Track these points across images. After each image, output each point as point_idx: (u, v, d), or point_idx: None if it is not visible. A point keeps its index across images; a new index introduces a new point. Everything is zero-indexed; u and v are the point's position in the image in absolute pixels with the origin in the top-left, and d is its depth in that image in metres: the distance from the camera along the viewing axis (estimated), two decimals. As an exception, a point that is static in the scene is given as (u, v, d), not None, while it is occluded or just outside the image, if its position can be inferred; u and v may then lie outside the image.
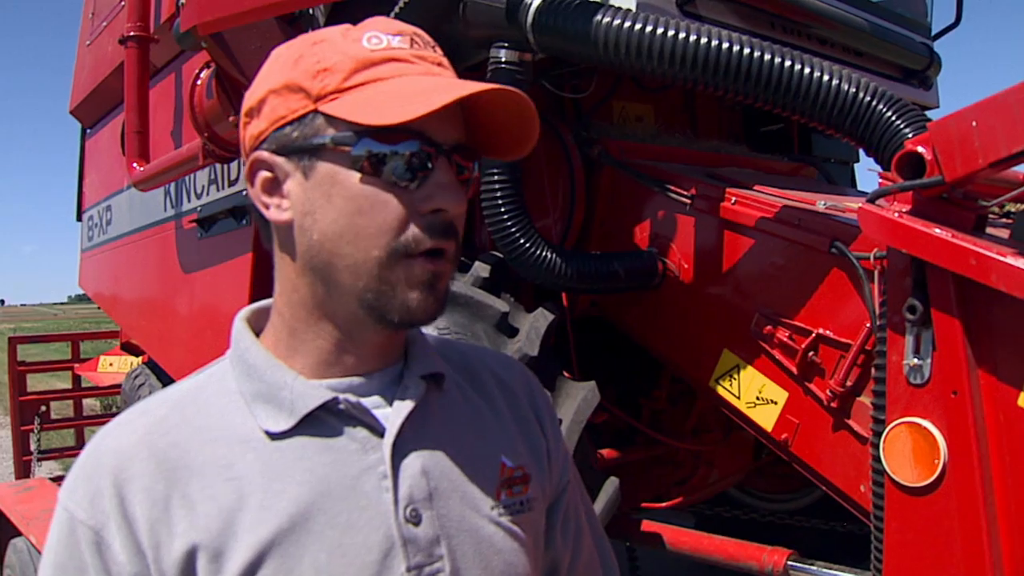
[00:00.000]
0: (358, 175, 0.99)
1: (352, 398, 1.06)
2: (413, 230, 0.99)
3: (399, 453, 1.05)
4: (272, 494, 0.99)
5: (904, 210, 1.88)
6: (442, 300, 1.05)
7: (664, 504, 3.60)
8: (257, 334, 1.12)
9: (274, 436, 1.03)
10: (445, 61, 1.06)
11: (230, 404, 1.06)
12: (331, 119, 0.99)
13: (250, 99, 1.07)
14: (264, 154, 1.04)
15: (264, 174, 1.05)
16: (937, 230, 1.78)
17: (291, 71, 1.02)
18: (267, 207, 1.06)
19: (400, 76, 1.00)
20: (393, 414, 1.07)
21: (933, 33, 4.10)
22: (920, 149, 1.82)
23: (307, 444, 1.03)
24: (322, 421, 1.04)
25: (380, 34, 1.02)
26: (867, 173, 4.55)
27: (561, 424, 2.54)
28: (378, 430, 1.06)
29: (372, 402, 1.08)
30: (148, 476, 0.99)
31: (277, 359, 1.07)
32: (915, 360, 1.86)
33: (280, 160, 1.03)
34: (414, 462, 1.06)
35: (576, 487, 1.32)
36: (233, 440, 1.02)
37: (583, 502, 1.34)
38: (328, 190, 1.00)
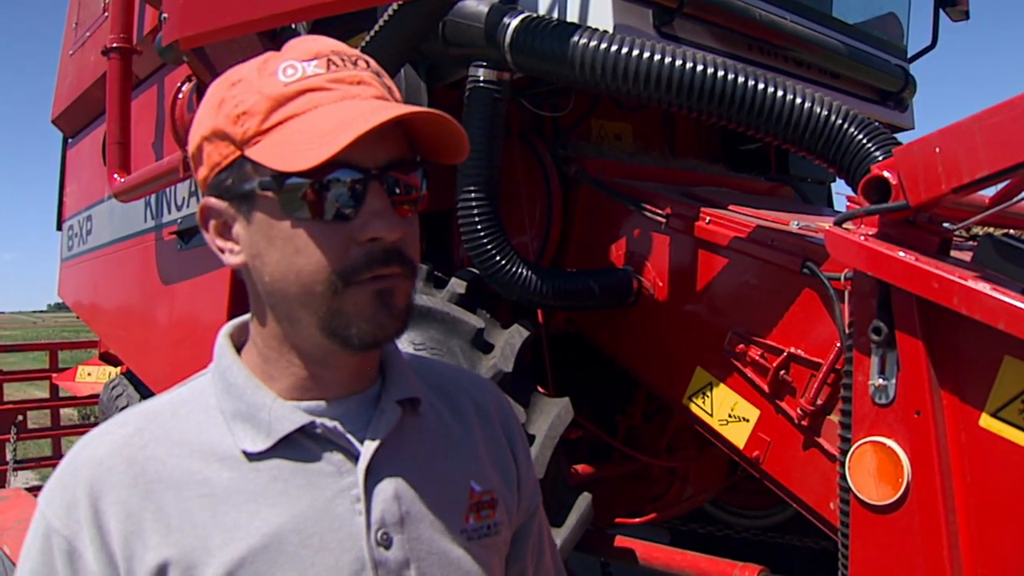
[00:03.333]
0: (291, 217, 0.99)
1: (328, 423, 1.06)
2: (352, 261, 0.99)
3: (373, 477, 1.07)
4: (247, 513, 1.01)
5: (870, 233, 1.91)
6: (401, 316, 1.04)
7: (638, 520, 3.62)
8: (240, 348, 1.14)
9: (251, 456, 1.04)
10: (366, 75, 1.03)
11: (209, 420, 1.06)
12: (256, 164, 0.99)
13: (191, 145, 1.07)
14: (212, 200, 1.05)
15: (214, 220, 1.07)
16: (901, 253, 1.81)
17: (216, 116, 1.02)
18: (222, 251, 1.08)
19: (315, 108, 0.98)
20: (368, 438, 1.08)
21: (909, 55, 4.15)
22: (886, 174, 1.85)
23: (283, 465, 1.04)
24: (299, 443, 1.05)
25: (296, 62, 1.00)
26: (837, 195, 4.61)
27: (535, 440, 2.56)
28: (353, 454, 1.07)
29: (348, 425, 1.08)
30: (124, 488, 1.00)
31: (257, 379, 1.08)
32: (880, 380, 1.89)
33: (224, 205, 1.04)
34: (387, 486, 1.07)
35: (541, 509, 1.34)
36: (211, 457, 1.03)
37: (544, 522, 1.36)
38: (267, 233, 1.00)
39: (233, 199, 1.03)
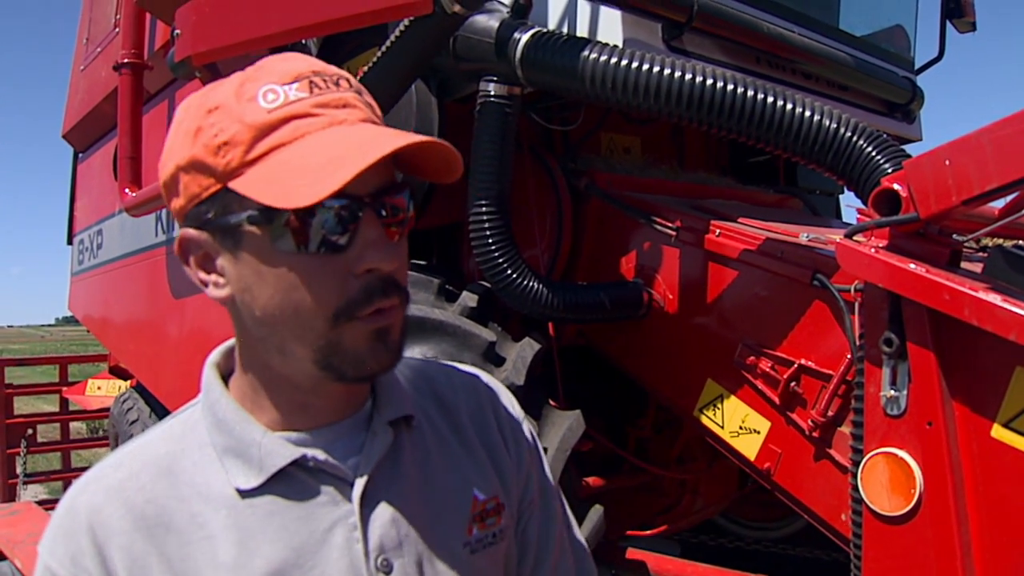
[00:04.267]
0: (282, 251, 0.96)
1: (320, 455, 1.06)
2: (351, 294, 0.97)
3: (368, 504, 1.07)
4: (246, 552, 1.01)
5: (881, 245, 1.92)
6: (396, 349, 1.03)
7: (649, 532, 3.62)
8: (228, 375, 1.13)
9: (244, 493, 1.03)
10: (349, 96, 0.99)
11: (204, 457, 1.06)
12: (242, 197, 0.95)
13: (163, 172, 1.02)
14: (191, 232, 1.01)
15: (195, 254, 1.03)
16: (912, 265, 1.82)
17: (192, 145, 0.97)
18: (205, 284, 1.04)
19: (302, 136, 0.94)
20: (362, 464, 1.08)
21: (916, 67, 4.16)
22: (896, 186, 1.86)
23: (278, 500, 1.04)
24: (292, 476, 1.05)
25: (276, 87, 0.96)
26: (847, 208, 4.60)
27: (547, 453, 2.56)
28: (347, 481, 1.07)
29: (341, 452, 1.08)
30: (126, 534, 1.00)
31: (246, 412, 1.07)
32: (892, 392, 1.90)
33: (206, 237, 1.01)
34: (384, 511, 1.07)
35: (546, 496, 1.29)
36: (207, 497, 1.03)
37: (557, 510, 1.31)
38: (258, 268, 0.97)
39: (216, 231, 0.99)
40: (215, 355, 1.14)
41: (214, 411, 1.08)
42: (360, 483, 1.06)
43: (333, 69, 1.02)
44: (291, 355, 1.02)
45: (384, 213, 0.99)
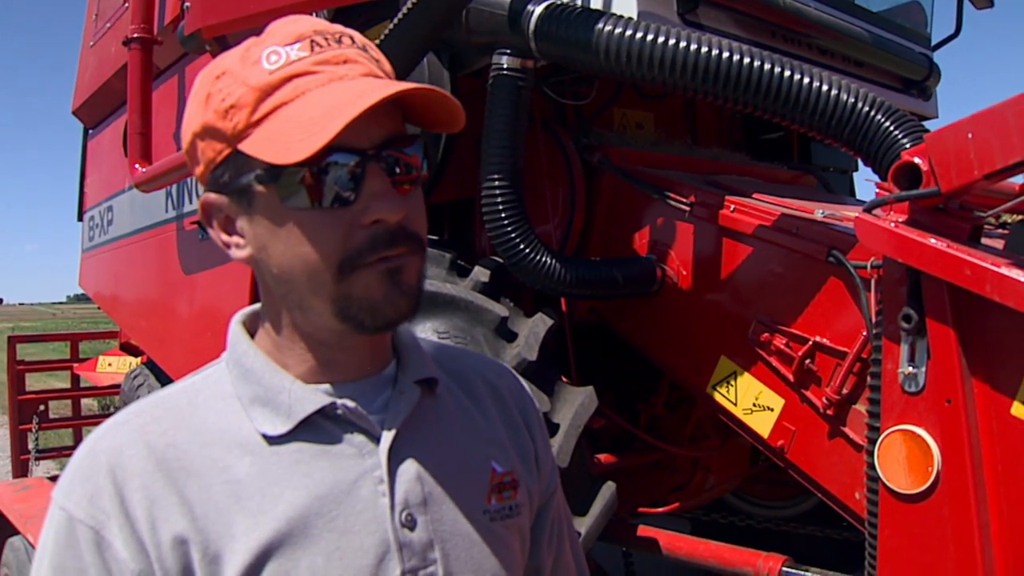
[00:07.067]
0: (291, 207, 0.98)
1: (350, 403, 1.06)
2: (357, 245, 0.98)
3: (395, 458, 1.07)
4: (270, 498, 1.00)
5: (900, 220, 1.89)
6: (412, 293, 1.03)
7: (661, 509, 3.61)
8: (252, 336, 1.13)
9: (271, 440, 1.04)
10: (351, 52, 1.01)
11: (227, 408, 1.06)
12: (251, 158, 0.97)
13: (184, 142, 1.06)
14: (212, 197, 1.05)
15: (217, 216, 1.06)
16: (932, 240, 1.79)
17: (204, 112, 1.00)
18: (227, 246, 1.07)
19: (303, 94, 0.96)
20: (389, 419, 1.08)
21: (933, 43, 4.12)
22: (917, 160, 1.83)
23: (304, 448, 1.04)
24: (319, 425, 1.05)
25: (279, 48, 0.98)
26: (866, 182, 4.56)
27: (559, 429, 2.55)
28: (374, 435, 1.07)
29: (367, 407, 1.08)
30: (147, 475, 0.99)
31: (274, 364, 1.08)
32: (910, 368, 1.88)
33: (225, 201, 1.04)
34: (409, 467, 1.08)
35: (560, 493, 1.33)
36: (231, 443, 1.03)
37: (564, 508, 1.36)
38: (270, 225, 1.00)
39: (232, 194, 1.03)
40: (240, 315, 1.16)
41: (241, 362, 1.09)
42: (387, 437, 1.07)
43: (337, 28, 1.03)
44: (311, 310, 1.03)
45: (397, 171, 1.01)
